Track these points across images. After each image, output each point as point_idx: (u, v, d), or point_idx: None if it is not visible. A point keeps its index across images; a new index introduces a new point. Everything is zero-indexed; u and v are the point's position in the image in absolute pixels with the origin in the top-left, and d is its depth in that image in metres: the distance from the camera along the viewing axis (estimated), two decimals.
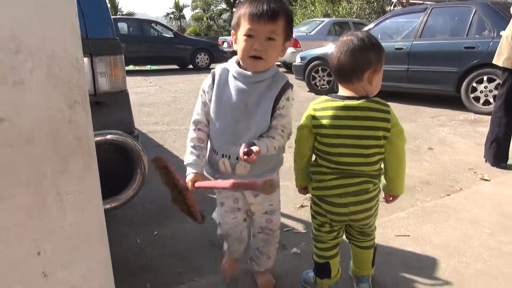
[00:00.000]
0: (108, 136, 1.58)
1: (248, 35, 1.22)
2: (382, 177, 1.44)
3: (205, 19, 33.07)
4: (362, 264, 1.55)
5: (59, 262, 0.81)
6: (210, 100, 1.32)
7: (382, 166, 1.41)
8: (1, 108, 0.69)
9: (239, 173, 1.31)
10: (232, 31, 1.30)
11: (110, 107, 1.79)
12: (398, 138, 1.34)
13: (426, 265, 1.78)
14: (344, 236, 1.55)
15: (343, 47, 1.32)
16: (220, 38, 15.99)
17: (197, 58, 12.28)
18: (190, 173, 1.31)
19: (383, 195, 1.49)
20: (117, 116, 1.82)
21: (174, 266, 1.87)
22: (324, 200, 1.39)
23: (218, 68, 1.34)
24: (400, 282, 1.66)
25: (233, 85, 1.29)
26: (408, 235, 2.05)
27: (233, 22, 1.30)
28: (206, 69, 12.16)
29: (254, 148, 1.20)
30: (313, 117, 1.37)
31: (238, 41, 1.27)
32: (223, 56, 12.75)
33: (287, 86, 1.31)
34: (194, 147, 1.34)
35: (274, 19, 1.20)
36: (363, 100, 1.32)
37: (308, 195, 1.52)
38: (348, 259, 1.63)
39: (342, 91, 1.39)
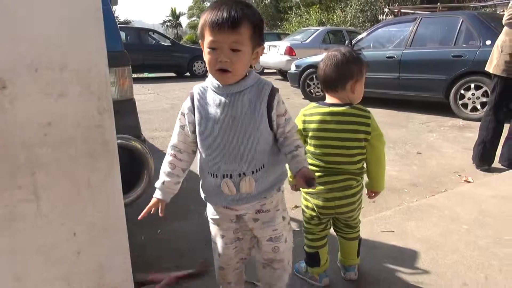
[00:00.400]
0: (119, 140, 1.74)
1: (212, 48, 1.13)
2: (365, 176, 1.61)
3: None
4: (348, 254, 1.72)
5: (89, 243, 0.97)
6: (191, 123, 1.25)
7: (365, 165, 1.59)
8: (48, 114, 0.86)
9: (245, 192, 1.22)
10: (200, 41, 1.20)
11: (119, 113, 1.94)
12: (378, 141, 1.52)
13: (407, 257, 1.95)
14: (332, 230, 1.72)
15: (328, 61, 1.51)
16: None
17: (194, 65, 12.50)
18: (154, 197, 1.30)
19: (366, 192, 1.66)
20: (125, 121, 2.00)
21: (175, 261, 2.03)
22: (313, 196, 1.57)
23: (195, 88, 1.27)
24: (383, 271, 1.83)
25: (215, 100, 1.21)
26: (393, 231, 2.22)
27: (198, 30, 1.20)
28: (203, 76, 12.36)
29: (307, 168, 1.21)
30: (304, 122, 1.56)
31: (204, 53, 1.17)
32: None
33: (274, 91, 1.22)
34: (164, 172, 1.30)
35: (235, 28, 1.09)
36: (347, 107, 1.51)
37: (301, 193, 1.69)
38: (337, 251, 1.80)
39: (329, 99, 1.57)
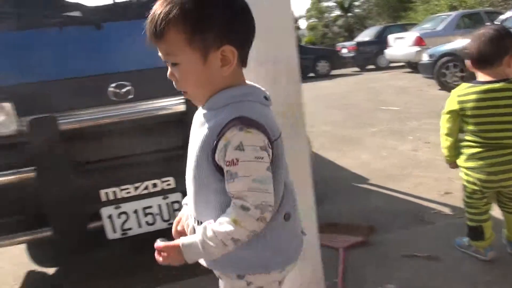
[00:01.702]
0: None
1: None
2: None
3: (319, 27, 33.70)
4: None
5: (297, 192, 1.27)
6: None
7: None
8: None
9: None
10: None
11: None
12: None
13: None
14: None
15: (481, 38, 1.57)
16: (338, 44, 16.20)
17: (317, 66, 12.75)
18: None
19: None
20: None
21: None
22: (475, 170, 1.63)
23: None
24: None
25: (195, 117, 0.92)
26: None
27: None
28: (327, 75, 12.56)
29: (180, 241, 0.81)
30: (459, 102, 1.64)
31: None
32: (343, 62, 13.00)
33: (230, 126, 0.77)
34: None
35: (160, 38, 0.78)
36: (503, 83, 1.56)
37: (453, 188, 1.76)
38: (502, 228, 1.80)
39: (482, 77, 1.63)
